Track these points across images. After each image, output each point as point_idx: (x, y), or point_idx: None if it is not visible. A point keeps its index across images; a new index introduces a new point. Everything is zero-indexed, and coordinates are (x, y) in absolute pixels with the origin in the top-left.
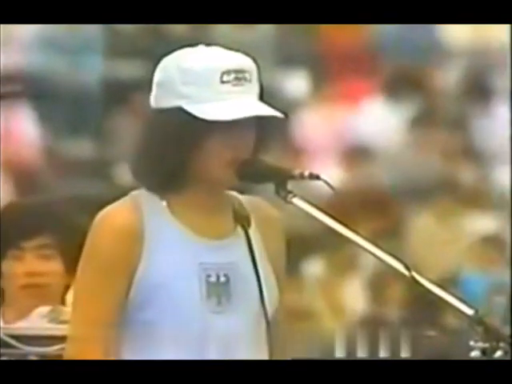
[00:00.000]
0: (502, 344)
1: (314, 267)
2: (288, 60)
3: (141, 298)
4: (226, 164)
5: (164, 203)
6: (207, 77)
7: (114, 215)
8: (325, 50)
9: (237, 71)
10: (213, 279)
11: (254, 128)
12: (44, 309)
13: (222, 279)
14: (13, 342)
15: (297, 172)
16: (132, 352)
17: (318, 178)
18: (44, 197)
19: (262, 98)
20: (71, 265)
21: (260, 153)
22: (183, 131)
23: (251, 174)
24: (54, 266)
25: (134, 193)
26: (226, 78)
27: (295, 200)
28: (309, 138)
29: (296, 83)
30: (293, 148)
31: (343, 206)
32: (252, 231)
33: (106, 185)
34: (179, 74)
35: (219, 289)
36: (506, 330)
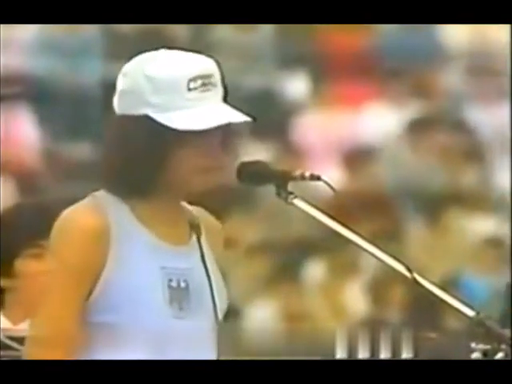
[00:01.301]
0: (503, 346)
1: (315, 269)
2: (288, 62)
3: (104, 299)
4: (197, 172)
5: (127, 207)
6: (174, 85)
7: (79, 216)
8: (325, 51)
9: (203, 77)
10: (174, 284)
11: (220, 132)
12: None
13: (182, 284)
14: (13, 344)
15: (297, 173)
16: (94, 354)
17: (318, 178)
18: (49, 198)
19: (225, 99)
20: None
21: (226, 156)
22: (151, 140)
23: (252, 176)
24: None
25: (95, 193)
26: (192, 85)
27: (296, 201)
28: (309, 139)
29: (296, 85)
30: (293, 149)
31: (344, 207)
32: (203, 240)
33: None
34: (146, 83)
35: (180, 294)
36: (507, 332)
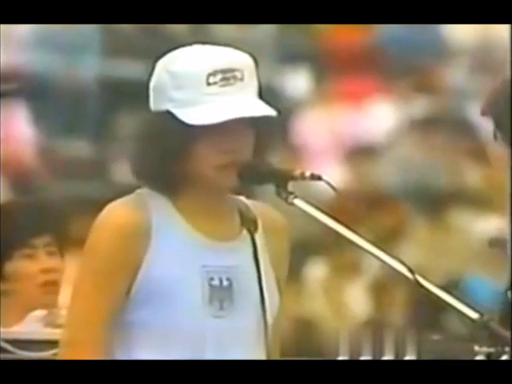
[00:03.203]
0: (507, 349)
1: (316, 269)
2: (290, 59)
3: (141, 295)
4: (217, 168)
5: (170, 202)
6: (193, 80)
7: (120, 211)
8: (327, 48)
9: (224, 71)
10: (216, 283)
11: (250, 129)
12: (40, 313)
13: (225, 283)
14: (8, 346)
15: (298, 173)
16: (124, 353)
17: (319, 178)
18: (40, 196)
19: (260, 95)
20: (68, 262)
21: (262, 154)
22: (171, 135)
23: (252, 176)
24: (59, 263)
25: (139, 191)
26: (212, 79)
27: (296, 201)
28: (310, 137)
29: (298, 82)
30: (294, 148)
31: (345, 207)
32: (258, 236)
33: (104, 185)
34: (168, 78)
35: (222, 293)
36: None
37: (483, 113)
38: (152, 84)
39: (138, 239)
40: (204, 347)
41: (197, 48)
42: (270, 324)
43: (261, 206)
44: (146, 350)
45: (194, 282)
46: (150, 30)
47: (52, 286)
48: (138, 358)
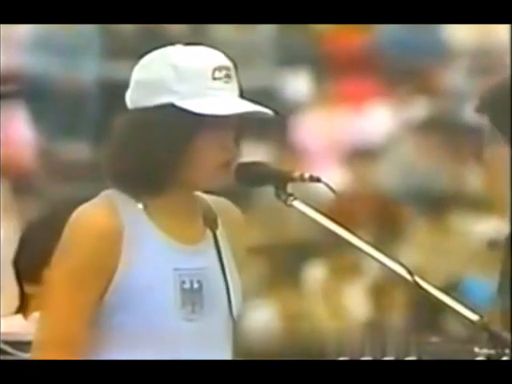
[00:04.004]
0: (507, 350)
1: (315, 271)
2: (290, 60)
3: (115, 300)
4: (218, 166)
5: (140, 205)
6: (200, 73)
7: (91, 215)
8: (327, 50)
9: (226, 68)
10: (187, 286)
11: (234, 127)
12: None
13: (196, 286)
14: (8, 348)
15: (297, 174)
16: (102, 356)
17: (318, 180)
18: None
19: (241, 95)
20: None
21: (239, 151)
22: (175, 128)
23: (250, 177)
24: None
25: (107, 192)
26: (217, 74)
27: (295, 203)
28: (310, 139)
29: (297, 84)
30: (293, 150)
31: (344, 209)
32: (219, 233)
33: (104, 187)
34: (171, 71)
35: (193, 296)
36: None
37: (478, 110)
38: (142, 78)
39: (110, 243)
40: (177, 350)
41: (193, 46)
42: (236, 322)
43: (218, 201)
44: (119, 353)
45: (166, 285)
46: (150, 32)
47: None
48: (112, 358)
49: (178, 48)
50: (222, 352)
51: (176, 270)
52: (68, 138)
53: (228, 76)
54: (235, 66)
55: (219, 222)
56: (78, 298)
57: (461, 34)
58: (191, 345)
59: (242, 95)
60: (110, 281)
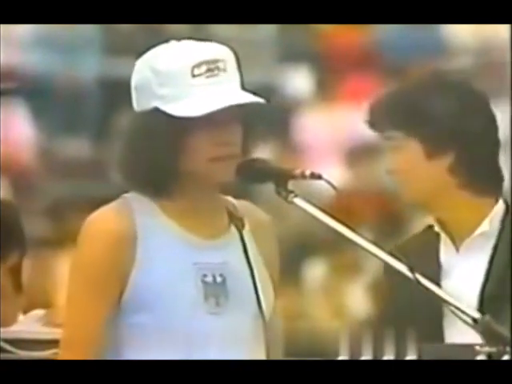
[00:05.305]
0: (508, 348)
1: (316, 268)
2: (290, 58)
3: (135, 301)
4: (211, 161)
5: (156, 205)
6: (179, 74)
7: (104, 219)
8: (327, 48)
9: (208, 62)
10: (209, 279)
11: (239, 123)
12: (38, 312)
13: (219, 279)
14: (7, 346)
15: (298, 171)
16: (121, 355)
17: (319, 177)
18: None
19: (243, 87)
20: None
21: (250, 148)
22: (163, 132)
23: (251, 174)
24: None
25: (125, 195)
26: (197, 71)
27: (296, 200)
28: (311, 136)
29: (298, 82)
30: (294, 147)
31: (345, 206)
32: (246, 233)
33: (104, 185)
34: (153, 76)
35: (216, 289)
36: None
37: (374, 123)
38: (134, 83)
39: (123, 246)
40: (203, 344)
41: (177, 43)
42: (267, 318)
43: (246, 206)
44: (143, 350)
45: (186, 280)
46: (150, 30)
47: None
48: (134, 358)
49: (160, 49)
50: (250, 347)
51: (195, 264)
52: (68, 135)
53: (211, 70)
54: (235, 55)
55: (246, 222)
56: (98, 303)
57: (461, 33)
58: (217, 339)
59: (242, 84)
60: (126, 282)
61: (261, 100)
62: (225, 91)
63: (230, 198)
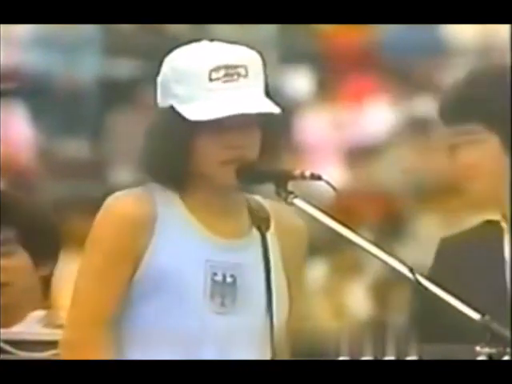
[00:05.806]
0: (508, 349)
1: (317, 269)
2: (291, 59)
3: (143, 284)
4: (219, 163)
5: (178, 196)
6: (196, 75)
7: (125, 201)
8: (328, 48)
9: (227, 67)
10: (219, 278)
11: (257, 127)
12: (39, 313)
13: (229, 280)
14: (7, 347)
15: (298, 172)
16: (130, 351)
17: (319, 178)
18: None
19: (267, 93)
20: (39, 260)
21: (267, 153)
22: (176, 131)
23: (251, 175)
24: (19, 262)
25: (148, 184)
26: (214, 75)
27: (296, 201)
28: (311, 137)
29: (299, 82)
30: (294, 147)
31: (345, 206)
32: (270, 235)
33: (103, 185)
34: (172, 74)
35: (224, 289)
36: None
37: (445, 113)
38: (158, 80)
39: (140, 229)
40: (203, 343)
41: (202, 44)
42: (276, 326)
43: (278, 207)
44: (143, 344)
45: (195, 275)
46: (150, 30)
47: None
48: (134, 353)
49: (184, 49)
50: (254, 350)
51: (208, 261)
52: (68, 135)
53: (230, 75)
54: (262, 59)
55: (272, 224)
56: (107, 286)
57: (461, 33)
58: (218, 339)
59: (267, 91)
60: (137, 267)
61: (275, 110)
62: (240, 97)
63: (259, 198)
